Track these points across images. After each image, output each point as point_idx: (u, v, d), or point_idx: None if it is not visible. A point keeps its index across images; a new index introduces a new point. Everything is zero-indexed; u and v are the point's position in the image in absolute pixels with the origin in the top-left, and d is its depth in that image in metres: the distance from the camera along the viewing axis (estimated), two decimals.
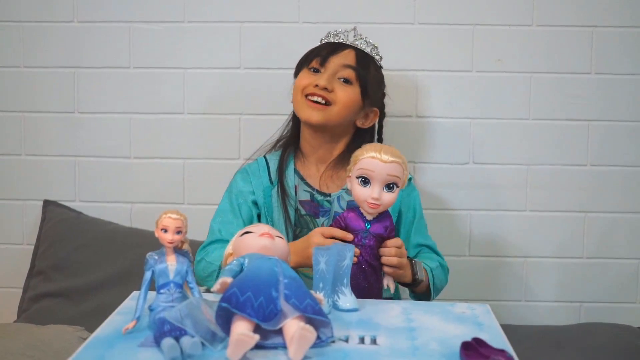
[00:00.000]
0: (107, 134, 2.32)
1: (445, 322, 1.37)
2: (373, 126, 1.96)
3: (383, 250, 1.58)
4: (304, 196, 1.91)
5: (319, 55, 1.88)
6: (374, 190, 1.51)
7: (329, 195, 1.91)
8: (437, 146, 2.29)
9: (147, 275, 1.30)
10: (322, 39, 1.94)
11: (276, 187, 1.89)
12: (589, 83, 2.25)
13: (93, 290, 2.17)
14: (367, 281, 1.57)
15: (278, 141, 2.00)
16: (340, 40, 1.91)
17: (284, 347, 1.19)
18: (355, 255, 1.52)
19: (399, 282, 1.71)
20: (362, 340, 1.26)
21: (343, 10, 2.26)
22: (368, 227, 1.56)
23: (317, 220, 1.90)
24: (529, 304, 2.32)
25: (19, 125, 2.33)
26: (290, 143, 1.96)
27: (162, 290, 1.30)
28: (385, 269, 1.60)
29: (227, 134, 2.30)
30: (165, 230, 1.29)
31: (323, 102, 1.84)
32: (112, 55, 2.30)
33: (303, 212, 1.90)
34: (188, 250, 1.35)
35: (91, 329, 1.35)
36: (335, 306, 1.43)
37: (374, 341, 1.26)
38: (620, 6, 2.24)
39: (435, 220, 2.21)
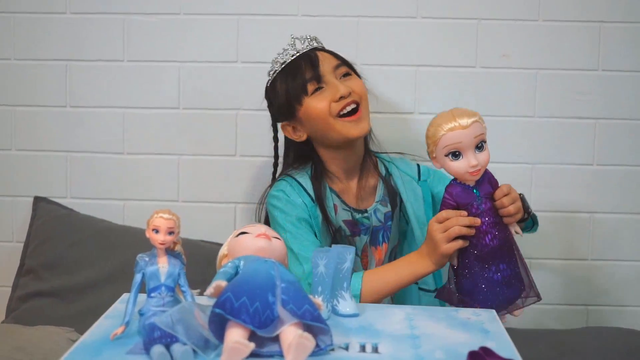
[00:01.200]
0: (100, 129, 2.28)
1: (450, 329, 1.31)
2: None
3: (497, 204, 1.52)
4: (345, 216, 1.84)
5: (310, 78, 1.80)
6: (469, 159, 1.47)
7: (366, 211, 1.86)
8: None
9: (137, 277, 1.26)
10: (273, 71, 1.87)
11: (317, 207, 1.80)
12: (596, 80, 2.22)
13: (84, 290, 2.12)
14: (500, 239, 1.51)
15: (294, 163, 1.92)
16: (294, 54, 1.83)
17: (280, 355, 1.14)
18: (476, 226, 1.49)
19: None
20: (363, 349, 1.21)
21: (343, 3, 2.22)
22: (478, 193, 1.51)
23: (357, 238, 1.84)
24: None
25: (9, 119, 2.29)
26: (321, 171, 1.87)
27: (152, 294, 1.25)
28: (506, 220, 1.53)
29: (223, 130, 2.26)
30: (157, 231, 1.25)
31: (355, 106, 1.79)
32: (106, 48, 2.26)
33: (348, 232, 1.83)
34: (181, 251, 1.30)
35: (82, 330, 1.32)
36: (334, 311, 1.38)
37: (375, 349, 1.21)
38: (629, 1, 2.20)
39: None
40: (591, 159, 2.24)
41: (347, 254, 1.38)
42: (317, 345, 1.16)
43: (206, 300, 1.24)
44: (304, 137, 1.85)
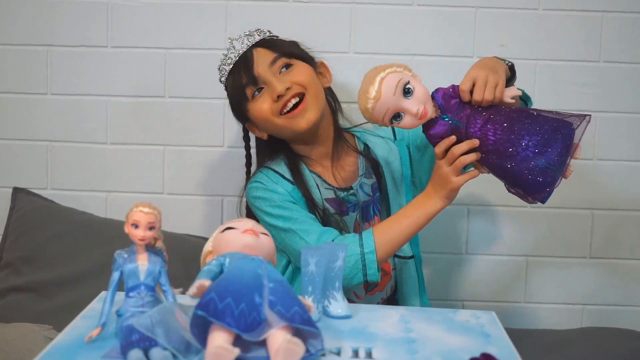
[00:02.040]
0: (82, 118, 2.23)
1: (448, 333, 1.24)
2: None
3: (474, 103, 1.52)
4: (328, 194, 1.80)
5: (245, 82, 1.76)
6: (409, 110, 1.49)
7: (351, 188, 1.81)
8: None
9: (115, 276, 1.19)
10: (221, 78, 1.84)
11: (296, 188, 1.76)
12: (597, 72, 2.18)
13: (65, 285, 2.07)
14: (501, 123, 1.47)
15: (264, 157, 1.89)
16: (236, 57, 1.79)
17: None
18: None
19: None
20: (355, 354, 1.14)
21: None
22: (448, 118, 1.51)
23: (346, 218, 1.79)
24: (529, 305, 2.25)
25: None
26: (283, 152, 1.84)
27: (131, 294, 1.18)
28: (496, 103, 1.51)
29: (211, 119, 2.21)
30: (136, 226, 1.19)
31: (297, 99, 1.74)
32: (89, 33, 2.21)
33: (332, 210, 1.78)
34: (162, 248, 1.24)
35: (61, 328, 1.26)
36: (325, 312, 1.32)
37: (369, 354, 1.14)
38: None
39: None
40: (591, 153, 2.20)
41: (339, 251, 1.32)
42: (307, 350, 1.10)
43: (189, 300, 1.17)
44: (265, 136, 1.84)
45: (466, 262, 2.24)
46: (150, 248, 1.20)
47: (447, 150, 1.52)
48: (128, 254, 1.20)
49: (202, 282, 1.15)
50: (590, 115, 1.49)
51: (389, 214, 1.80)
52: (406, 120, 1.50)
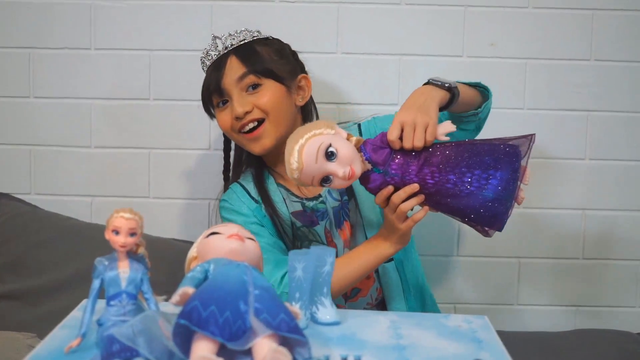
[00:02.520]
0: (65, 121, 2.20)
1: (440, 339, 1.21)
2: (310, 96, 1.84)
3: (406, 148, 1.46)
4: (295, 207, 1.77)
5: (212, 91, 1.75)
6: (335, 174, 1.42)
7: (319, 195, 1.77)
8: None
9: (95, 284, 1.16)
10: (202, 67, 1.82)
11: (262, 206, 1.75)
12: (588, 70, 2.16)
13: (49, 292, 2.04)
14: (437, 165, 1.44)
15: (234, 169, 1.88)
16: (216, 55, 1.77)
17: None
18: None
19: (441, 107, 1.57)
20: None
21: None
22: (380, 170, 1.46)
23: (317, 228, 1.76)
24: (522, 307, 2.23)
25: None
26: (252, 164, 1.84)
27: (112, 302, 1.15)
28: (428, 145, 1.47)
29: (196, 122, 2.17)
30: (117, 232, 1.15)
31: (256, 124, 1.72)
32: (72, 35, 2.18)
33: (298, 224, 1.76)
34: (144, 254, 1.20)
35: (44, 336, 1.23)
36: (313, 319, 1.28)
37: None
38: None
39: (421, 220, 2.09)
40: (583, 153, 2.18)
41: (326, 256, 1.28)
42: (294, 359, 1.05)
43: (173, 308, 1.13)
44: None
45: (457, 264, 2.22)
46: (131, 255, 1.17)
47: (388, 198, 1.49)
48: (109, 261, 1.16)
49: (186, 289, 1.12)
50: (534, 134, 1.47)
51: (361, 219, 1.77)
52: (336, 182, 1.44)
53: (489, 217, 1.43)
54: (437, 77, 1.60)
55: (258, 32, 1.80)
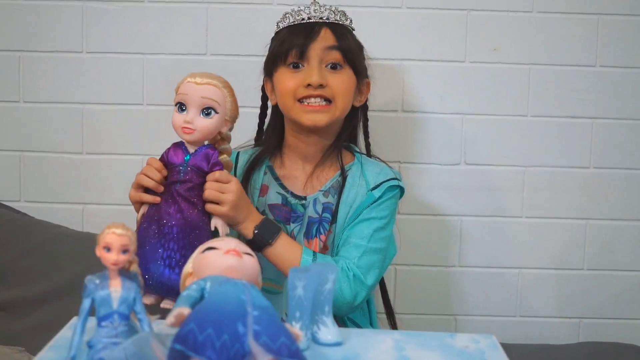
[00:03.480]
0: (56, 127, 2.17)
1: None
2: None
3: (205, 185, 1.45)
4: (274, 199, 1.73)
5: (295, 47, 1.69)
6: (188, 114, 1.44)
7: (304, 198, 1.73)
8: (425, 145, 2.16)
9: (86, 304, 1.10)
10: (278, 23, 1.77)
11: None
12: (593, 77, 2.13)
13: (39, 303, 2.00)
14: (187, 217, 1.42)
15: (260, 138, 1.84)
16: (305, 19, 1.72)
17: None
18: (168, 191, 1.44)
19: (235, 228, 1.53)
20: None
21: None
22: (187, 159, 1.45)
23: (288, 227, 1.71)
24: (524, 319, 2.20)
25: None
26: (273, 143, 1.78)
27: (103, 323, 1.09)
28: (207, 206, 1.45)
29: None
30: (109, 249, 1.09)
31: (322, 103, 1.67)
32: (63, 38, 2.15)
33: (271, 217, 1.71)
34: (137, 272, 1.14)
35: (34, 349, 1.22)
36: (314, 339, 1.23)
37: None
38: None
39: (422, 226, 2.13)
40: (587, 161, 2.16)
41: (328, 273, 1.23)
42: None
43: (168, 328, 1.08)
44: (274, 102, 1.78)
45: (458, 275, 2.19)
46: (123, 272, 1.12)
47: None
48: (100, 279, 1.11)
49: (181, 310, 1.07)
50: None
51: (333, 245, 1.71)
52: (179, 115, 1.47)
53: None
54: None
55: (351, 20, 1.77)
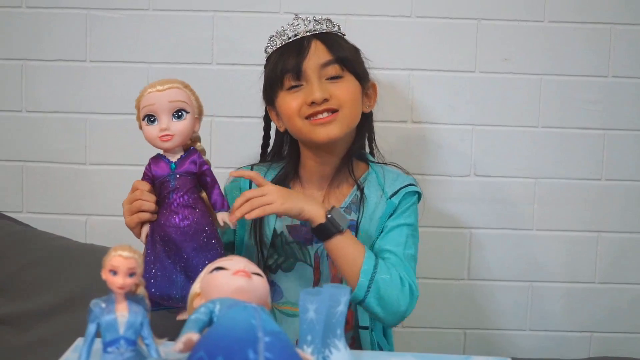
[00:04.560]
0: (59, 137, 2.15)
1: None
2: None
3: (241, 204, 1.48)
4: (293, 220, 1.67)
5: (289, 69, 1.65)
6: (161, 122, 1.43)
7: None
8: (434, 156, 2.14)
9: (91, 329, 1.08)
10: (266, 48, 1.73)
11: None
12: (605, 87, 2.11)
13: (41, 316, 1.98)
14: (192, 222, 1.43)
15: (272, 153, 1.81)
16: (292, 37, 1.68)
17: None
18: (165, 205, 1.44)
19: (300, 218, 1.53)
20: None
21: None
22: (173, 167, 1.45)
23: (310, 247, 1.68)
24: (534, 333, 2.17)
25: None
26: (292, 170, 1.74)
27: (109, 349, 1.07)
28: (255, 212, 1.47)
29: None
30: (115, 272, 1.07)
31: (328, 115, 1.63)
32: (66, 46, 2.13)
33: (290, 239, 1.68)
34: (144, 295, 1.11)
35: None
36: None
37: None
38: None
39: (430, 239, 2.08)
40: (599, 173, 2.13)
41: (341, 296, 1.19)
42: None
43: (176, 354, 1.05)
44: (283, 129, 1.74)
45: (468, 288, 2.16)
46: (130, 296, 1.09)
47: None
48: (105, 303, 1.09)
49: (190, 335, 1.05)
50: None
51: None
52: (152, 127, 1.46)
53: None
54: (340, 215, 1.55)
55: (339, 26, 1.74)
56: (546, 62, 2.10)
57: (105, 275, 1.07)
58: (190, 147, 1.49)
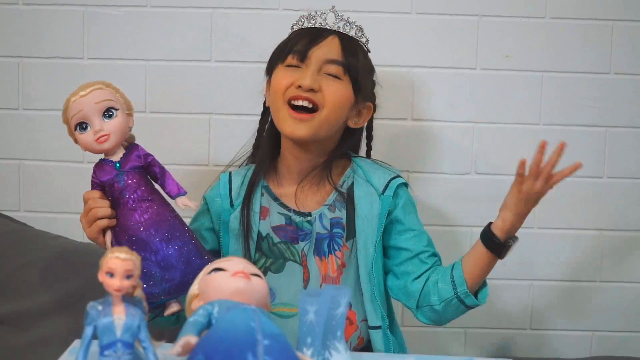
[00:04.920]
0: (56, 135, 2.05)
1: None
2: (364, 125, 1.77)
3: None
4: (277, 220, 1.68)
5: (296, 49, 1.64)
6: (94, 125, 1.42)
7: (309, 214, 1.67)
8: (435, 154, 2.12)
9: (88, 331, 1.07)
10: (293, 25, 1.73)
11: (237, 210, 1.68)
12: (607, 84, 2.09)
13: (39, 316, 1.96)
14: (153, 213, 1.43)
15: (253, 154, 1.78)
16: (318, 25, 1.68)
17: None
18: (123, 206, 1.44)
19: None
20: None
21: None
22: (118, 166, 1.46)
23: (297, 246, 1.66)
24: (535, 332, 2.16)
25: None
26: (267, 157, 1.73)
27: (106, 352, 1.06)
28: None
29: (195, 136, 2.12)
30: (112, 275, 1.05)
31: (310, 106, 1.61)
32: (64, 43, 2.11)
33: (276, 239, 1.67)
34: (141, 297, 1.10)
35: None
36: None
37: None
38: None
39: (431, 237, 1.99)
40: (601, 171, 2.11)
41: (340, 297, 1.18)
42: None
43: (174, 357, 1.04)
44: (268, 103, 1.73)
45: None
46: (127, 298, 1.07)
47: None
48: (102, 306, 1.07)
49: (188, 338, 1.04)
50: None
51: (357, 273, 1.67)
52: (86, 134, 1.45)
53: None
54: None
55: (367, 40, 1.74)
56: (547, 58, 2.08)
57: (102, 277, 1.06)
58: (131, 143, 1.49)
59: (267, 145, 1.74)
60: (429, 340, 2.11)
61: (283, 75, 1.64)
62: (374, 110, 1.76)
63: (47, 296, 1.97)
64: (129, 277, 1.05)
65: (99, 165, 1.48)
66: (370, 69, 1.74)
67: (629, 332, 2.15)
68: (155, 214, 1.43)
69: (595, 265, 2.13)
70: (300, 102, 1.60)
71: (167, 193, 1.48)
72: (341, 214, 1.68)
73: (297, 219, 1.67)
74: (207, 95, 2.10)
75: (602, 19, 2.07)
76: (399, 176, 1.70)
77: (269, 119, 1.73)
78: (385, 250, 1.70)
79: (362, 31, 1.71)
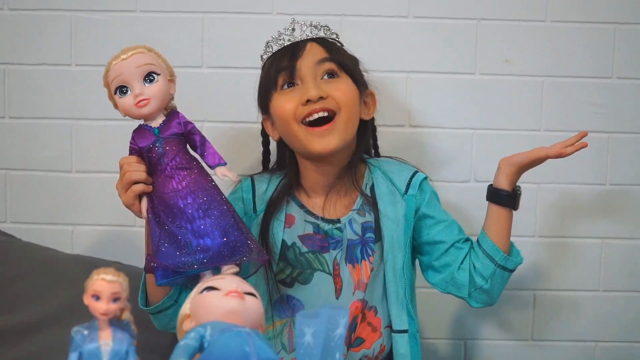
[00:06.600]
0: (43, 144, 2.11)
1: None
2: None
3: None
4: (304, 229, 1.65)
5: (282, 67, 1.61)
6: (134, 89, 1.41)
7: (338, 221, 1.65)
8: (433, 161, 2.09)
9: (73, 358, 1.02)
10: (262, 55, 1.71)
11: (259, 217, 1.65)
12: (609, 89, 2.06)
13: (27, 331, 1.92)
14: (191, 181, 1.40)
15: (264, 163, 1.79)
16: (287, 42, 1.65)
17: None
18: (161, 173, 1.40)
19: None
20: None
21: (324, 0, 2.06)
22: (157, 132, 1.43)
23: (326, 255, 1.63)
24: (537, 343, 2.13)
25: None
26: (293, 181, 1.70)
27: None
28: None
29: None
30: (97, 297, 1.00)
31: (326, 114, 1.58)
32: (51, 49, 2.08)
33: (304, 249, 1.63)
34: (129, 320, 1.05)
35: None
36: None
37: None
38: None
39: None
40: (603, 178, 2.09)
41: (339, 318, 1.13)
42: None
43: None
44: (276, 137, 1.71)
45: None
46: (114, 322, 1.03)
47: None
48: (88, 330, 1.03)
49: None
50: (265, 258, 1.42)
51: (384, 276, 1.66)
52: (126, 98, 1.43)
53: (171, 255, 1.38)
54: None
55: (337, 34, 1.72)
56: (548, 63, 2.06)
57: (87, 300, 1.02)
58: (172, 110, 1.46)
59: (289, 173, 1.71)
60: (428, 352, 2.09)
61: (285, 100, 1.60)
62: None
63: (36, 310, 1.93)
64: (116, 300, 1.01)
65: (138, 131, 1.46)
66: (355, 60, 1.72)
67: (632, 342, 2.12)
68: (193, 182, 1.39)
69: (598, 275, 2.11)
70: (316, 115, 1.57)
71: (206, 162, 1.44)
72: (371, 217, 1.66)
73: (326, 226, 1.64)
74: (198, 102, 2.07)
75: (605, 22, 2.04)
76: (418, 171, 1.71)
77: (286, 151, 1.71)
78: (419, 247, 1.70)
79: (329, 28, 1.69)
